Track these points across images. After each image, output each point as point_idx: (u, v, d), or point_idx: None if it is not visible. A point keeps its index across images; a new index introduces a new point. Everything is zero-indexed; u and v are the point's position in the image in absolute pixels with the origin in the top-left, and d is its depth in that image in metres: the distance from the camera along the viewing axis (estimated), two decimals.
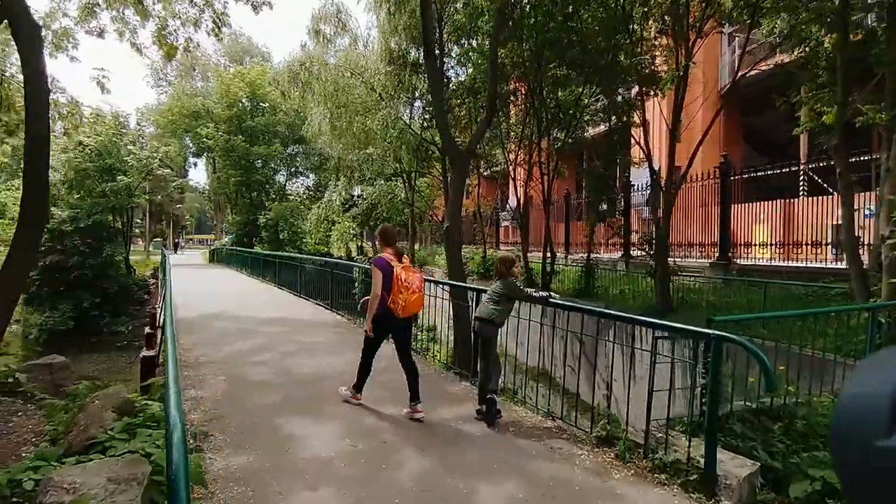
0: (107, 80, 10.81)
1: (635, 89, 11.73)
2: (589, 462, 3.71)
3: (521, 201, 14.90)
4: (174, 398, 2.11)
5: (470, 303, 5.93)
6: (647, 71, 11.26)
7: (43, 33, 10.61)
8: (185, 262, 29.44)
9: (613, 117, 13.19)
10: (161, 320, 8.71)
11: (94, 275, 25.07)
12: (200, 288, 14.39)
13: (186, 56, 11.78)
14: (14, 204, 24.97)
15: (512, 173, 15.93)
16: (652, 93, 11.06)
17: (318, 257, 11.61)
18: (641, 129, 10.84)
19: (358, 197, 23.70)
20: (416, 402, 4.50)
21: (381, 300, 4.42)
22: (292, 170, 37.50)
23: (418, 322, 16.53)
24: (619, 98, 12.93)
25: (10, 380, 4.10)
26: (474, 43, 13.69)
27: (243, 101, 29.82)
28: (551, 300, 4.70)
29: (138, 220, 52.30)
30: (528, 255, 14.89)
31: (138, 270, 30.52)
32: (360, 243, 28.53)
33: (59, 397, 5.99)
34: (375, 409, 4.77)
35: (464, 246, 17.36)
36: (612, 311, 4.76)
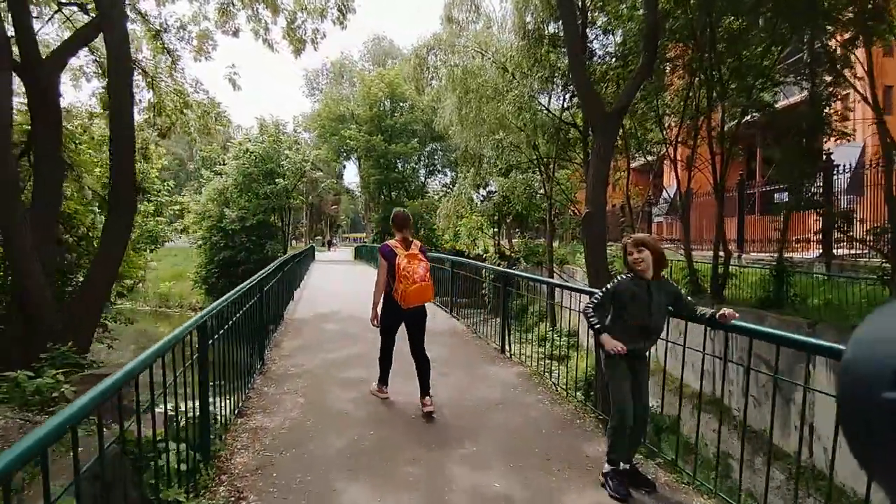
0: (237, 76, 10.95)
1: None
2: None
3: (681, 188, 12.17)
4: None
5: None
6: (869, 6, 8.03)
7: (187, 36, 11.19)
8: (333, 259, 31.16)
9: (812, 78, 9.86)
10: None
11: (257, 269, 27.46)
12: (330, 285, 14.31)
13: (314, 46, 11.49)
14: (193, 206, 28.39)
15: (671, 155, 13.17)
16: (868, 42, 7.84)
17: (440, 255, 10.60)
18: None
19: (494, 193, 22.57)
20: (426, 396, 4.31)
21: (388, 289, 4.32)
22: (430, 168, 37.89)
23: (558, 326, 14.77)
24: (821, 51, 9.59)
25: (55, 395, 3.38)
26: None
27: (383, 101, 30.57)
28: (723, 318, 2.97)
29: (304, 221, 58.05)
30: (688, 254, 12.14)
31: None
32: (498, 240, 27.44)
33: None
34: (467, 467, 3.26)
35: (609, 242, 15.03)
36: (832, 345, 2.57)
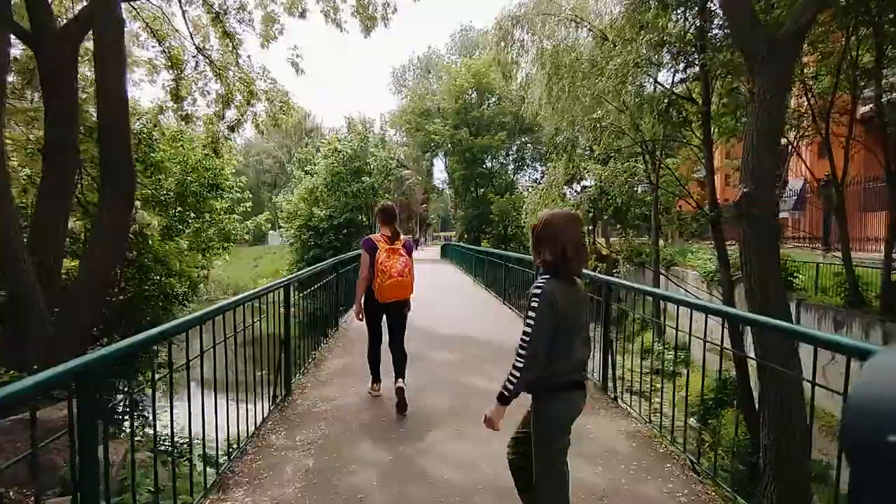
0: (300, 59, 10.05)
1: None
2: None
3: (831, 174, 9.39)
4: None
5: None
6: None
7: (250, 20, 10.52)
8: (419, 258, 30.25)
9: None
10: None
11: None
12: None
13: (384, 22, 10.33)
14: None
15: (821, 130, 10.28)
16: None
17: (525, 256, 8.91)
18: None
19: (589, 186, 20.12)
20: (401, 377, 4.27)
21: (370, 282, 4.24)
22: (518, 163, 35.91)
23: (664, 339, 12.41)
24: None
25: None
26: None
27: (469, 92, 29.21)
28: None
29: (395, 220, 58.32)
30: (846, 255, 9.34)
31: None
32: (592, 239, 24.94)
33: None
34: None
35: (728, 241, 12.40)
36: None
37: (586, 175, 21.11)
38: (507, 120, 30.85)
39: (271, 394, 4.41)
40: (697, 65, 11.35)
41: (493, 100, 30.31)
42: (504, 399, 2.10)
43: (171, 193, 11.30)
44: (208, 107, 10.73)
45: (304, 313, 6.25)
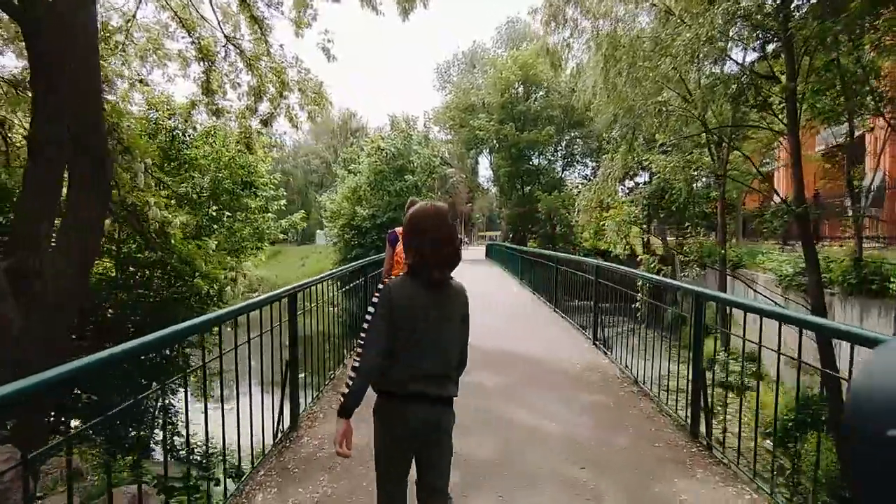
0: (331, 44, 9.34)
1: None
2: None
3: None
4: None
5: None
6: None
7: (279, 2, 9.91)
8: (462, 258, 29.47)
9: None
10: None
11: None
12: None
13: (424, 6, 9.51)
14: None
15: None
16: None
17: (579, 258, 7.76)
18: None
19: (646, 181, 18.42)
20: None
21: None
22: (567, 159, 34.33)
23: (744, 351, 10.98)
24: None
25: None
26: None
27: (515, 85, 28.02)
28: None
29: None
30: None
31: None
32: (647, 238, 23.27)
33: None
34: None
35: (790, 242, 10.70)
36: None
37: (642, 169, 19.54)
38: (556, 114, 29.42)
39: (273, 426, 3.61)
40: (779, 39, 9.88)
41: (541, 93, 28.95)
42: (343, 411, 1.82)
43: (206, 191, 10.92)
44: (239, 100, 10.24)
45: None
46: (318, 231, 50.29)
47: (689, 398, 3.72)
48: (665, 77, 11.00)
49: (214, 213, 11.23)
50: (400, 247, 4.33)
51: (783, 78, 9.77)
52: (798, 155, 10.14)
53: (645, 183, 20.31)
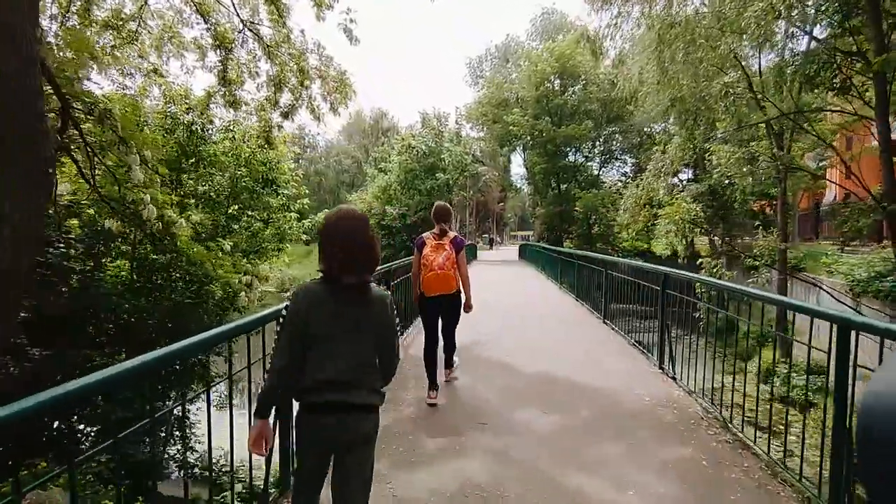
0: (354, 24, 8.50)
1: None
2: None
3: None
4: None
5: None
6: None
7: None
8: (494, 259, 28.49)
9: None
10: None
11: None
12: (480, 294, 11.16)
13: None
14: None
15: None
16: None
17: (639, 263, 6.61)
18: None
19: (697, 178, 16.74)
20: (448, 368, 4.81)
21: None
22: (606, 156, 32.77)
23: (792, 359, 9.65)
24: None
25: None
26: None
27: (551, 78, 26.74)
28: None
29: (470, 219, 57.11)
30: None
31: None
32: (688, 238, 21.70)
33: None
34: None
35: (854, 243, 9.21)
36: None
37: (687, 165, 18.00)
38: (594, 108, 27.99)
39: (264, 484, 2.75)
40: (864, 11, 8.52)
41: (578, 86, 27.58)
42: (259, 412, 1.87)
43: (225, 189, 10.31)
44: (258, 90, 9.56)
45: None
46: None
47: (829, 469, 2.65)
48: (725, 59, 9.73)
49: (235, 213, 10.62)
50: (426, 251, 4.28)
51: (871, 57, 8.42)
52: (888, 142, 8.76)
53: (692, 179, 18.77)
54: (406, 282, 6.96)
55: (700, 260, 10.97)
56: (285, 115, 9.97)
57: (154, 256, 8.16)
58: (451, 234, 4.38)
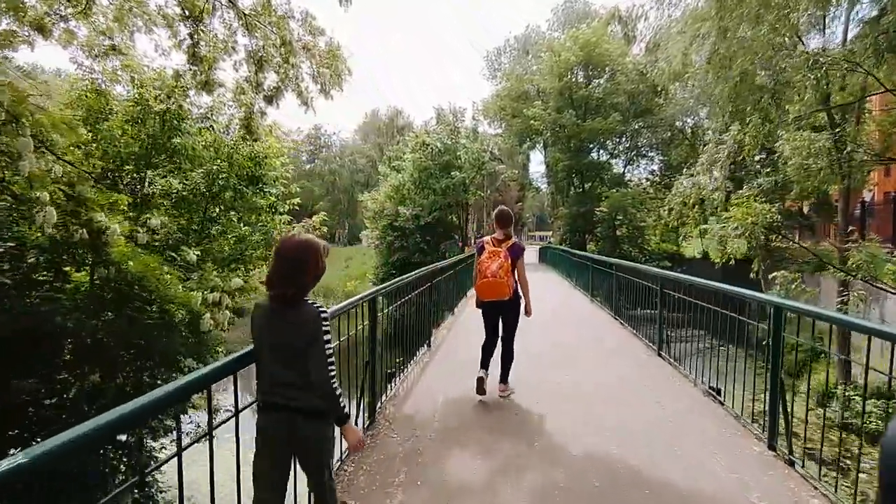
0: None
1: None
2: None
3: None
4: None
5: None
6: None
7: None
8: None
9: None
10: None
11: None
12: None
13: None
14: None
15: None
16: None
17: (713, 284, 4.93)
18: None
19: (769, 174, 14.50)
20: (503, 383, 4.51)
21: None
22: (632, 152, 30.72)
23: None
24: None
25: None
26: None
27: (574, 70, 24.90)
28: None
29: (488, 220, 55.35)
30: None
31: None
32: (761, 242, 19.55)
33: None
34: None
35: None
36: None
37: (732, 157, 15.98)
38: (621, 100, 26.03)
39: None
40: None
41: (605, 77, 25.67)
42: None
43: (201, 188, 8.86)
44: (236, 69, 8.05)
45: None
46: (363, 232, 48.82)
47: None
48: (796, 28, 7.91)
49: (216, 215, 9.17)
50: (483, 256, 4.29)
51: None
52: None
53: (749, 173, 16.60)
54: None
55: (773, 274, 9.09)
56: (269, 100, 8.44)
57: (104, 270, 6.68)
58: (512, 240, 4.39)
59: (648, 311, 6.93)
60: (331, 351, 1.99)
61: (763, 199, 9.60)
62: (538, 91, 26.86)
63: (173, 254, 6.83)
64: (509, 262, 4.23)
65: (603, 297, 10.53)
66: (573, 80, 25.39)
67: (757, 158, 10.07)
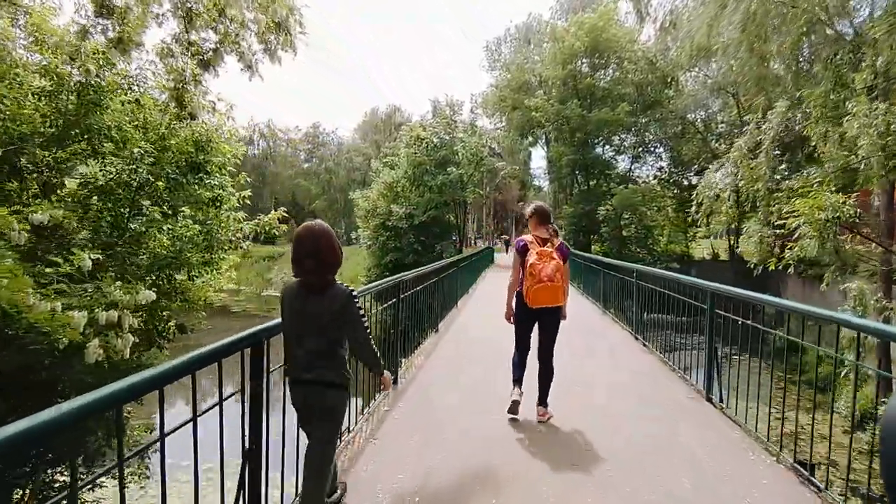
0: None
1: None
2: None
3: None
4: None
5: None
6: None
7: None
8: (509, 265, 25.09)
9: None
10: None
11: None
12: (488, 321, 7.46)
13: None
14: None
15: None
16: None
17: (784, 301, 3.51)
18: None
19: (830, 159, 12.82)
20: (542, 406, 3.94)
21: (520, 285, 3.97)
22: (639, 148, 28.98)
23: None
24: None
25: None
26: None
27: (580, 58, 23.19)
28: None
29: (487, 220, 53.83)
30: None
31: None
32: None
33: None
34: None
35: None
36: None
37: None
38: (628, 91, 24.33)
39: None
40: None
41: (612, 65, 23.96)
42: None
43: (124, 173, 7.18)
44: (159, 25, 6.37)
45: None
46: (357, 231, 47.13)
47: None
48: None
49: (145, 210, 7.49)
50: (532, 259, 3.86)
51: None
52: None
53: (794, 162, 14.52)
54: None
55: (845, 285, 7.37)
56: (205, 65, 6.80)
57: None
58: (557, 240, 4.02)
59: (687, 335, 5.24)
60: (366, 322, 2.29)
61: (834, 189, 7.82)
62: (540, 81, 25.15)
63: (57, 259, 5.14)
64: (563, 263, 3.89)
65: (617, 309, 8.85)
66: (578, 68, 23.68)
67: (813, 144, 8.45)
